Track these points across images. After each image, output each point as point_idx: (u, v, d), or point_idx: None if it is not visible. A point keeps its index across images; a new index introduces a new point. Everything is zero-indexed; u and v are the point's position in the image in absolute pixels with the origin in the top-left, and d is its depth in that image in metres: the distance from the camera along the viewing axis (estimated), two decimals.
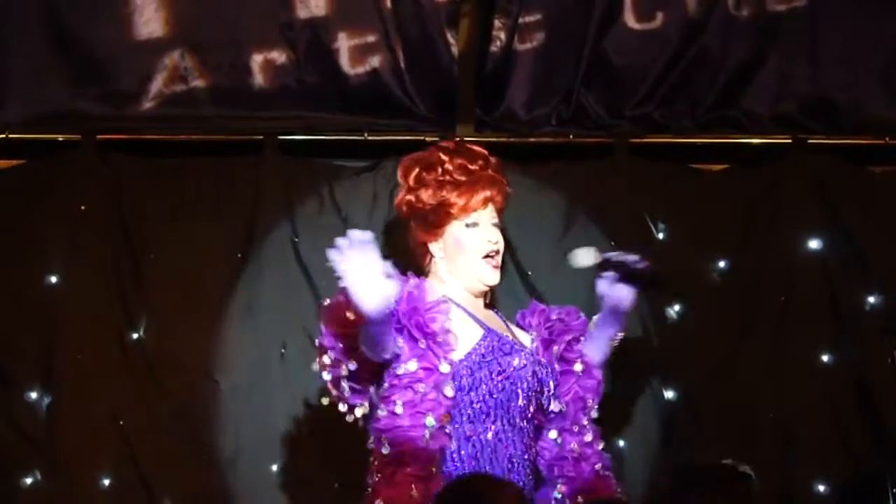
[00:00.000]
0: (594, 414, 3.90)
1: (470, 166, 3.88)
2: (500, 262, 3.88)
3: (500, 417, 3.72)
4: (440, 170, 3.87)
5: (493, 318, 3.91)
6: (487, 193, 3.85)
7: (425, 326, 3.65)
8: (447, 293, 3.81)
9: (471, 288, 3.87)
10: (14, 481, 4.57)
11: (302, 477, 4.61)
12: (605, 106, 4.83)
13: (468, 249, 3.83)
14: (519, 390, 3.74)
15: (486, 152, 3.93)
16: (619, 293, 3.87)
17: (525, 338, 3.93)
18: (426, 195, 3.85)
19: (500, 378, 3.72)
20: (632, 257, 3.86)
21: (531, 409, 3.77)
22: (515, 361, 3.76)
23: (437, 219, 3.86)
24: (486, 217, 3.85)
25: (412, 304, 3.66)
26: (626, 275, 3.84)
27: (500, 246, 3.87)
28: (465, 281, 3.86)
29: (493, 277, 3.85)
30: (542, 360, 3.85)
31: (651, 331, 4.71)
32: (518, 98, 4.82)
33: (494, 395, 3.71)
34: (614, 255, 3.87)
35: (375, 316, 3.41)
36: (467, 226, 3.84)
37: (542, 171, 4.80)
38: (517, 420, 3.74)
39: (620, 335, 3.98)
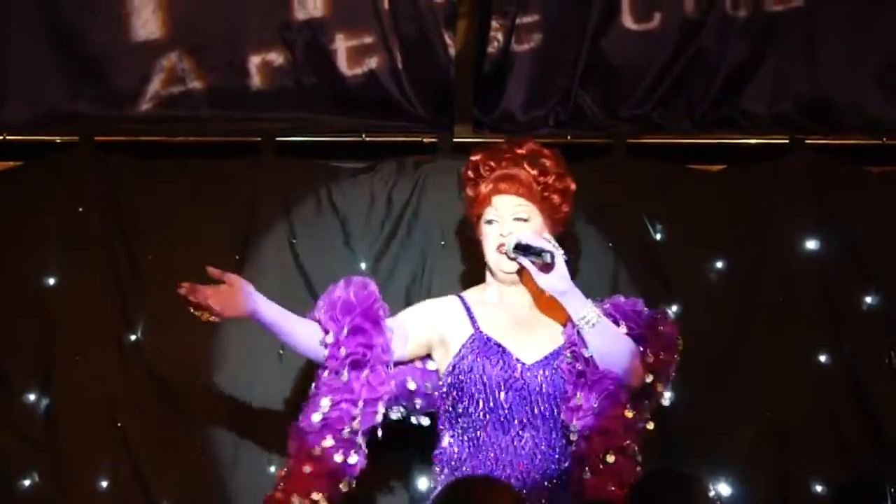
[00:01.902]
0: (627, 415, 3.76)
1: (494, 163, 3.95)
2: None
3: (485, 423, 3.75)
4: (471, 171, 4.00)
5: (529, 314, 3.92)
6: (491, 186, 3.90)
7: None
8: (479, 294, 3.96)
9: (501, 280, 3.94)
10: (12, 483, 4.57)
11: None
12: (603, 106, 4.83)
13: (487, 244, 3.95)
14: (491, 396, 3.75)
15: (522, 150, 3.94)
16: (539, 280, 3.81)
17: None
18: (468, 198, 4.03)
19: (470, 383, 3.76)
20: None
21: (527, 416, 3.76)
22: (486, 367, 3.77)
23: (472, 219, 4.03)
24: (505, 210, 3.89)
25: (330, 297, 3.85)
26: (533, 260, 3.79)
27: (515, 236, 3.85)
28: (495, 275, 3.95)
29: (508, 265, 3.88)
30: (543, 368, 3.82)
31: None
32: (516, 99, 4.82)
33: (475, 399, 3.75)
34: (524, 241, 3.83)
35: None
36: (487, 223, 3.94)
37: None
38: (510, 425, 3.75)
39: (584, 316, 3.76)
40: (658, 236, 4.78)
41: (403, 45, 4.70)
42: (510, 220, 3.89)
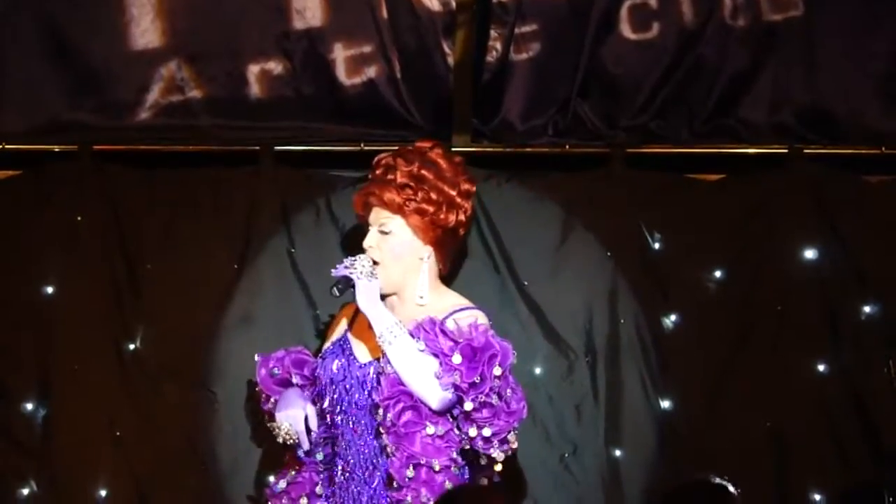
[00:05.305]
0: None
1: (375, 172, 4.06)
2: (382, 263, 3.99)
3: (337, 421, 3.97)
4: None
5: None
6: (362, 199, 4.06)
7: None
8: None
9: None
10: (10, 493, 4.57)
11: None
12: (602, 116, 4.82)
13: None
14: (335, 395, 3.95)
15: (400, 157, 4.05)
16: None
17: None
18: None
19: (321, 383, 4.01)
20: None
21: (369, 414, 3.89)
22: (334, 366, 3.98)
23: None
24: (374, 221, 4.02)
25: None
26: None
27: (375, 252, 3.99)
28: None
29: None
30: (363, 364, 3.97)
31: (647, 341, 4.70)
32: (514, 108, 4.81)
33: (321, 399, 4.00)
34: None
35: None
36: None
37: (539, 182, 4.80)
38: (357, 424, 3.92)
39: (382, 334, 3.91)
40: (657, 246, 4.78)
41: (402, 55, 4.70)
42: (372, 230, 4.02)
